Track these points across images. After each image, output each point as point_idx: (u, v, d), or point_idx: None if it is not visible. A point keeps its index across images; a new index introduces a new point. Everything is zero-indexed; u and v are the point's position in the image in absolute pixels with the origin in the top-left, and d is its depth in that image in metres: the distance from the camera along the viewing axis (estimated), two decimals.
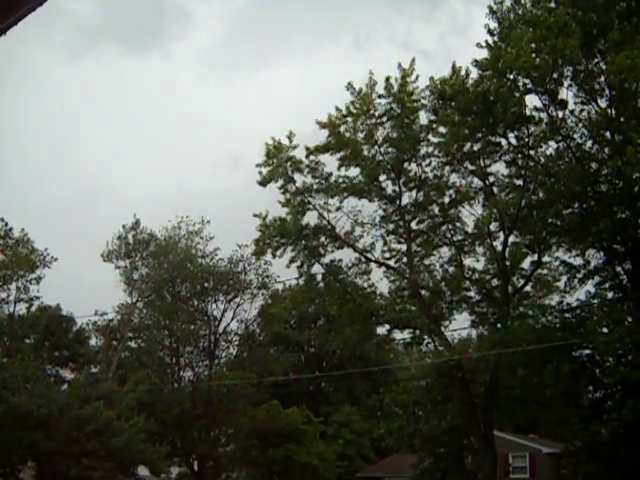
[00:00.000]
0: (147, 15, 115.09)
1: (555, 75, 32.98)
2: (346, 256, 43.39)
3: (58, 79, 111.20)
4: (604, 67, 32.82)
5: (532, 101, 34.79)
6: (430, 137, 40.36)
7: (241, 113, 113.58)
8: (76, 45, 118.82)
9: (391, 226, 42.52)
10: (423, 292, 42.00)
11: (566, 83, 33.67)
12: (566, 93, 33.87)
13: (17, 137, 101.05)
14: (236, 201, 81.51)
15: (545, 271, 41.30)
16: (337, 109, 40.56)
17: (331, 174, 41.69)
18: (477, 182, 40.69)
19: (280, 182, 41.57)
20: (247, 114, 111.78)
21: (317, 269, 43.74)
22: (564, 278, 38.43)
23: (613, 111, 33.16)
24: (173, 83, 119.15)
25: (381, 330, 46.25)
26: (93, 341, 64.37)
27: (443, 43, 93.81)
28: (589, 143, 34.50)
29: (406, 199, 41.85)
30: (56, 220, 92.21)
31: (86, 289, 73.00)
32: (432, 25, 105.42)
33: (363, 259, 43.09)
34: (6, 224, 54.05)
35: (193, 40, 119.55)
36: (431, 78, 38.29)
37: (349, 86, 40.15)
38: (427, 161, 41.01)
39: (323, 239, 42.62)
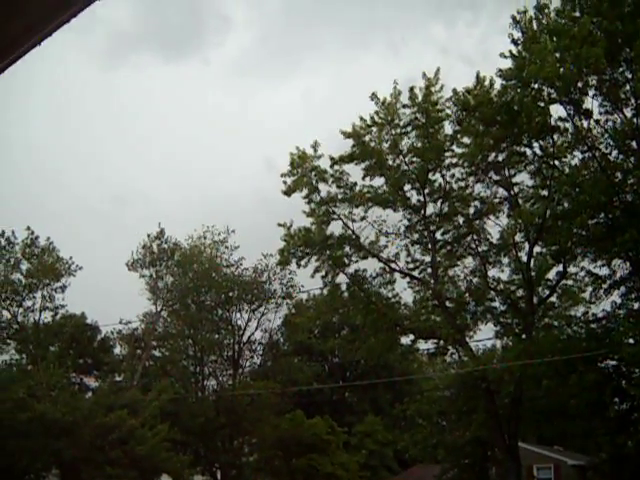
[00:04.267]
0: (186, 21, 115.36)
1: (580, 84, 32.86)
2: (370, 266, 43.42)
3: (94, 86, 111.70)
4: (629, 76, 32.70)
5: (557, 111, 34.73)
6: (454, 147, 40.33)
7: (277, 119, 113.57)
8: (113, 52, 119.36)
9: (416, 236, 42.49)
10: (447, 302, 41.86)
11: (591, 92, 33.58)
12: (591, 102, 33.81)
13: (48, 144, 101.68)
14: (271, 206, 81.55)
15: (570, 281, 41.07)
16: (362, 119, 40.60)
17: (356, 184, 41.73)
18: (502, 192, 40.60)
19: (305, 192, 41.64)
20: (284, 120, 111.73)
21: (341, 279, 43.80)
22: (590, 288, 38.25)
23: (639, 120, 32.99)
24: (209, 89, 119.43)
25: (405, 340, 46.26)
26: (117, 349, 64.63)
27: (484, 47, 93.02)
28: (614, 153, 34.35)
29: (431, 209, 41.87)
30: (83, 228, 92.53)
31: (111, 298, 73.20)
32: (473, 29, 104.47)
33: (387, 269, 43.07)
34: (32, 232, 54.40)
35: (230, 46, 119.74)
36: (454, 90, 38.31)
37: (373, 96, 40.20)
38: (451, 171, 40.99)
39: (347, 249, 42.64)
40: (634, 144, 33.35)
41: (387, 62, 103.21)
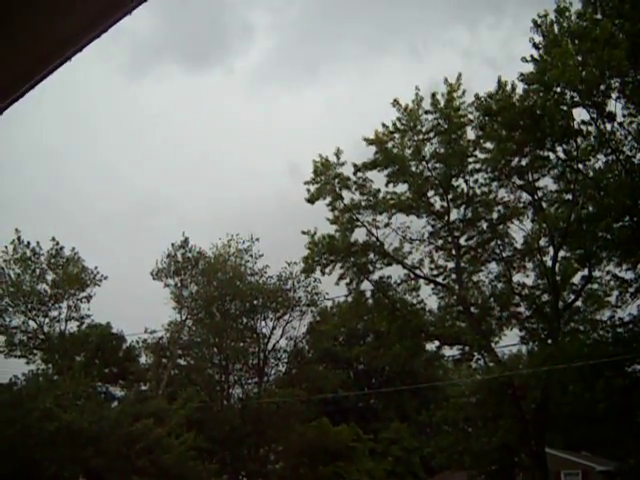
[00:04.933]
0: (209, 30, 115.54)
1: (602, 87, 32.70)
2: (395, 273, 43.38)
3: (118, 96, 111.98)
4: None
5: (580, 114, 34.57)
6: (477, 152, 40.26)
7: (301, 126, 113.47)
8: (137, 63, 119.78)
9: (440, 242, 42.49)
10: (472, 308, 41.74)
11: (614, 95, 33.38)
12: (614, 105, 33.60)
13: (72, 154, 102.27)
14: (295, 213, 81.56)
15: (596, 286, 40.85)
16: (384, 125, 40.64)
17: (379, 190, 41.78)
18: (526, 197, 40.47)
19: (328, 199, 41.71)
20: (307, 127, 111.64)
21: (366, 286, 43.81)
22: (615, 292, 38.05)
23: None
24: (232, 97, 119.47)
25: (430, 346, 46.13)
26: (143, 359, 64.79)
27: (508, 50, 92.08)
28: (639, 155, 34.15)
29: (454, 215, 41.84)
30: (107, 238, 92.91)
31: (136, 307, 73.34)
32: (496, 32, 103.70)
33: (412, 275, 43.01)
34: (57, 243, 54.79)
35: (253, 54, 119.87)
36: (476, 95, 38.29)
37: (395, 103, 40.22)
38: (475, 177, 40.90)
39: (372, 256, 42.67)
40: None
41: (410, 67, 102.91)
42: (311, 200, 41.62)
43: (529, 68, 34.61)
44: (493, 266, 42.54)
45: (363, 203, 41.98)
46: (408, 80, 50.48)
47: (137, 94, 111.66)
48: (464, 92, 39.70)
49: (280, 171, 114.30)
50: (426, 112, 40.21)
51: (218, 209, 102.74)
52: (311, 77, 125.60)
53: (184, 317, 60.82)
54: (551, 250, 39.77)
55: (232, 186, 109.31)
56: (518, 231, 41.36)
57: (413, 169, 41.17)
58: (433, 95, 39.94)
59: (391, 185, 41.46)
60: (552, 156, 37.36)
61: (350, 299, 46.93)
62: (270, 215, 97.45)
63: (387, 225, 41.92)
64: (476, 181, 40.97)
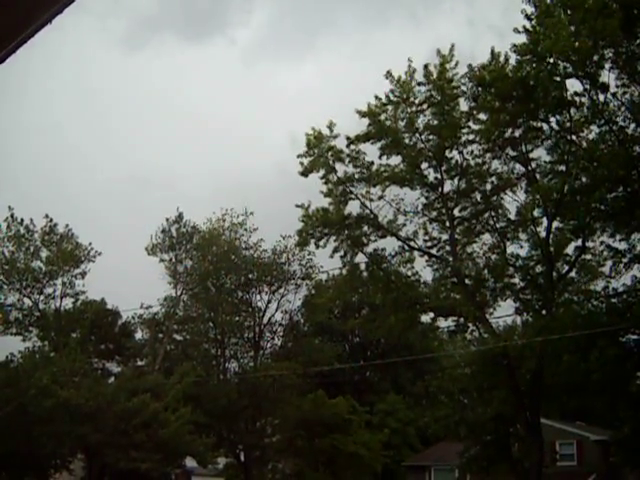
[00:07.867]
0: (208, 1, 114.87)
1: (595, 58, 32.56)
2: (389, 245, 43.38)
3: (117, 68, 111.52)
4: None
5: (573, 85, 34.45)
6: (470, 124, 40.14)
7: (300, 97, 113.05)
8: (136, 34, 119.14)
9: (434, 214, 42.39)
10: (466, 280, 41.76)
11: (607, 66, 33.22)
12: (607, 76, 33.46)
13: (68, 128, 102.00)
14: (291, 186, 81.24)
15: (590, 256, 40.88)
16: (377, 98, 40.46)
17: (372, 163, 41.64)
18: (519, 168, 40.39)
19: (322, 172, 41.61)
20: (307, 99, 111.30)
21: (360, 258, 43.79)
22: (609, 263, 38.10)
23: None
24: (231, 69, 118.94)
25: (425, 318, 46.26)
26: (139, 334, 64.93)
27: (510, 17, 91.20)
28: (632, 126, 34.07)
29: (448, 186, 41.73)
30: (101, 212, 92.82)
31: (131, 282, 73.39)
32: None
33: (406, 247, 43.03)
34: (51, 220, 54.69)
35: (252, 24, 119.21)
36: (469, 65, 38.12)
37: (388, 74, 40.02)
38: (468, 148, 40.81)
39: (366, 228, 42.62)
40: None
41: (411, 37, 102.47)
42: (304, 173, 41.52)
43: (522, 39, 34.47)
44: (487, 237, 42.56)
45: (357, 176, 41.87)
46: (410, 50, 50.34)
47: (136, 66, 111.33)
48: (457, 63, 39.57)
49: (280, 143, 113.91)
50: (419, 84, 40.03)
51: (217, 182, 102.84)
52: (311, 47, 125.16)
53: (179, 292, 60.95)
54: (545, 221, 39.80)
55: (231, 159, 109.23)
56: (512, 202, 41.33)
57: (406, 141, 41.02)
58: (425, 66, 39.76)
59: (384, 157, 41.40)
60: (545, 127, 37.29)
61: (345, 272, 46.96)
62: (270, 187, 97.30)
63: (381, 197, 41.87)
64: (470, 152, 40.90)
